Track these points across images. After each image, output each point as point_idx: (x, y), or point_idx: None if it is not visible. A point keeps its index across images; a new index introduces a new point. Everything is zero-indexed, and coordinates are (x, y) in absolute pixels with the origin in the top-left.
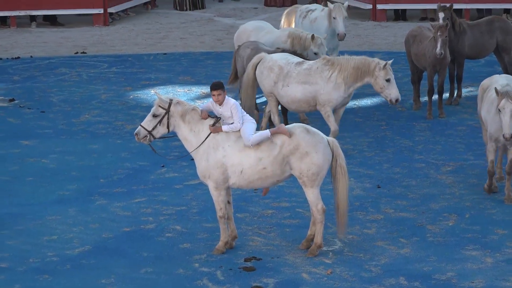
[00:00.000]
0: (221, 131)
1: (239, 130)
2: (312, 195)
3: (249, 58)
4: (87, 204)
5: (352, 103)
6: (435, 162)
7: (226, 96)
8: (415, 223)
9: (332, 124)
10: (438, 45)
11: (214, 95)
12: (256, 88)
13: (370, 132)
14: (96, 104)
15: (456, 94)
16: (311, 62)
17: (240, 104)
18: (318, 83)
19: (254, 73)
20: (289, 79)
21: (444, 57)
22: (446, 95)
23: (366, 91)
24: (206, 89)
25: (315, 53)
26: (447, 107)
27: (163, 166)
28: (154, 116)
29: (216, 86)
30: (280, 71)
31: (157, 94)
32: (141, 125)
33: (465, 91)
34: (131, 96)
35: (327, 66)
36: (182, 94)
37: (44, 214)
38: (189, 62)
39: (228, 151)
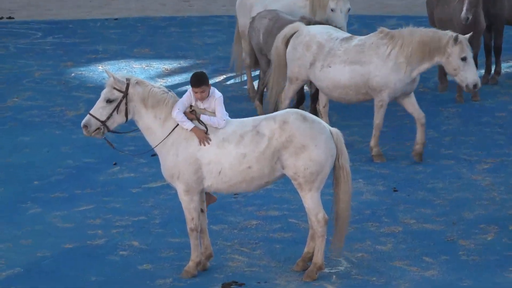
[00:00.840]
0: (198, 119)
1: (220, 125)
2: (311, 201)
3: (267, 31)
4: (17, 213)
5: None
6: (467, 158)
7: (212, 88)
8: (444, 237)
9: (379, 117)
10: (465, 8)
11: (196, 92)
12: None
13: (384, 120)
14: (27, 84)
15: (494, 70)
16: (362, 37)
17: (266, 89)
18: (372, 62)
19: (286, 47)
20: (333, 58)
21: (476, 22)
22: (480, 71)
23: None
24: (169, 65)
25: (332, 10)
26: (482, 87)
27: (115, 164)
28: (108, 101)
29: (199, 82)
30: (319, 49)
31: (107, 73)
32: (90, 114)
33: (504, 66)
34: (73, 74)
35: (384, 40)
36: (139, 71)
37: None
38: (147, 30)
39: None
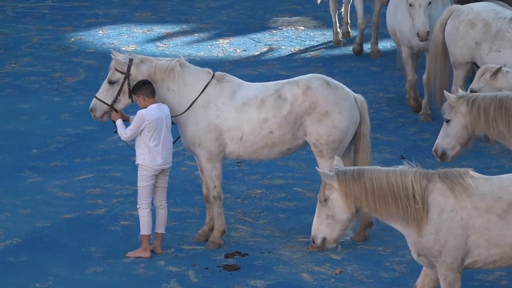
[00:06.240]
0: (115, 119)
1: (121, 135)
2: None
3: None
4: (15, 182)
5: (367, 47)
6: None
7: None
8: None
9: None
10: None
11: (140, 96)
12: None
13: (391, 85)
14: (26, 49)
15: None
16: None
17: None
18: None
19: (444, 35)
20: (502, 41)
21: None
22: None
23: (385, 30)
24: (171, 29)
25: (410, 4)
26: None
27: (115, 132)
28: (111, 83)
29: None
30: (486, 28)
31: (112, 53)
32: (96, 97)
33: None
34: (73, 39)
35: None
36: (140, 35)
37: None
38: None
39: (223, 110)
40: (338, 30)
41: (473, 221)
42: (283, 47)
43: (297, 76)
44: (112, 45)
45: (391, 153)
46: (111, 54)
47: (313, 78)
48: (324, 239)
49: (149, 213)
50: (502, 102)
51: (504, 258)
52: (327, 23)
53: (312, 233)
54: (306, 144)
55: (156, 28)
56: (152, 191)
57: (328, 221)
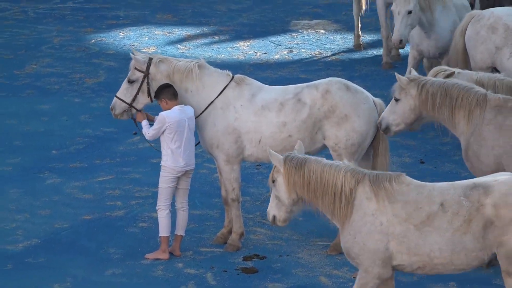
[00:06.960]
0: (141, 120)
1: (146, 134)
2: None
3: None
4: (35, 183)
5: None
6: None
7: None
8: None
9: None
10: None
11: (162, 100)
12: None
13: None
14: (46, 50)
15: None
16: None
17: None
18: None
19: (464, 40)
20: None
21: None
22: None
23: None
24: (191, 32)
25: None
26: None
27: (135, 134)
28: (130, 82)
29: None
30: (507, 33)
31: (133, 53)
32: (116, 96)
33: None
34: (93, 41)
35: None
36: (161, 37)
37: None
38: None
39: (242, 113)
40: (360, 33)
41: (393, 227)
42: (304, 50)
43: (317, 79)
44: (133, 47)
45: (410, 157)
46: (130, 54)
47: (332, 82)
48: (274, 217)
49: (168, 215)
50: (447, 90)
51: (426, 267)
52: (348, 27)
53: (267, 209)
54: (324, 147)
55: (176, 30)
56: (172, 193)
57: (276, 201)
